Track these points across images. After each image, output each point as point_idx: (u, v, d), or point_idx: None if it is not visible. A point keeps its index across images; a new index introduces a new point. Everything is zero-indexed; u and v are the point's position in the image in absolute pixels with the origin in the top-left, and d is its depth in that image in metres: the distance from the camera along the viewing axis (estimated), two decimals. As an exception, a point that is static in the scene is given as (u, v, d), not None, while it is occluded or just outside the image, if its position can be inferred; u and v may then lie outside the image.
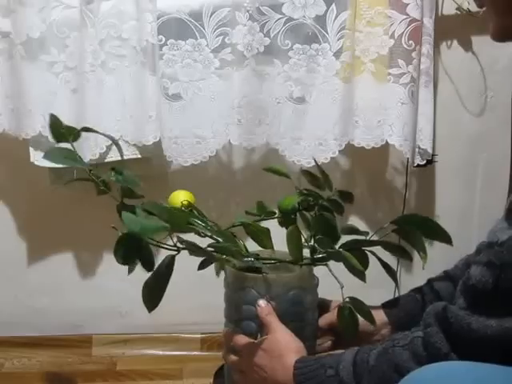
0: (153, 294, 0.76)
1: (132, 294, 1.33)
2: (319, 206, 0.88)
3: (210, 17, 1.10)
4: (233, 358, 0.82)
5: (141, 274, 1.36)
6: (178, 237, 0.75)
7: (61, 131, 0.79)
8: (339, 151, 1.17)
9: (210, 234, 0.78)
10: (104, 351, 1.33)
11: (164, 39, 1.11)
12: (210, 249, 0.76)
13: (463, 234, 1.36)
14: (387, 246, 0.85)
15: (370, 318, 0.79)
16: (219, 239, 0.80)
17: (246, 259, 0.82)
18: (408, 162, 1.24)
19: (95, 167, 0.81)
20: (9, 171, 1.26)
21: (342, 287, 0.79)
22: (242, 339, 0.80)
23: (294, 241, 0.79)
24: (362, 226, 1.02)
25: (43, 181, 1.19)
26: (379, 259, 0.82)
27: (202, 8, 1.09)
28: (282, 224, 0.91)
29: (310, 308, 0.85)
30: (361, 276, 0.76)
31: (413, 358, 0.61)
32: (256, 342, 0.77)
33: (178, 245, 0.76)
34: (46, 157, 0.79)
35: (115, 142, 0.85)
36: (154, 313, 1.37)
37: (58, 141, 0.79)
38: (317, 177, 0.93)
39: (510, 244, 0.58)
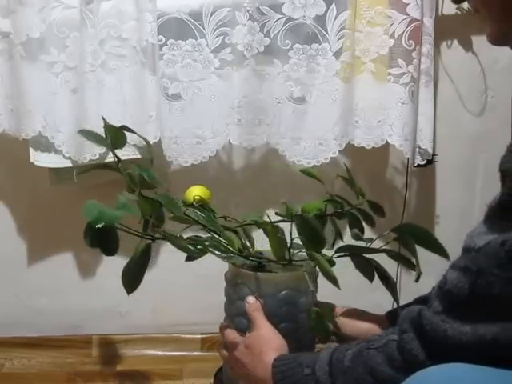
0: (131, 279, 0.81)
1: (132, 294, 1.33)
2: (349, 214, 0.90)
3: (210, 17, 1.10)
4: (224, 352, 0.83)
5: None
6: (155, 226, 0.82)
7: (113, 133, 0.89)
8: (339, 151, 1.17)
9: (207, 228, 0.85)
10: (104, 351, 1.33)
11: (164, 39, 1.11)
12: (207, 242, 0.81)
13: (463, 234, 1.35)
14: (388, 253, 0.86)
15: (335, 325, 0.81)
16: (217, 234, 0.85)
17: (226, 255, 0.84)
18: (408, 161, 1.24)
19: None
20: (9, 171, 1.26)
21: (313, 291, 0.84)
22: (230, 334, 0.82)
23: (274, 240, 0.82)
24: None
25: (43, 181, 1.18)
26: (378, 271, 0.83)
27: (202, 8, 1.09)
28: None
29: (305, 310, 0.85)
30: (333, 281, 0.76)
31: (387, 362, 0.61)
32: (241, 338, 0.79)
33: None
34: (81, 132, 0.93)
35: (148, 143, 0.96)
36: (154, 313, 1.39)
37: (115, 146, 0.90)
38: (353, 182, 0.96)
39: (486, 250, 0.57)
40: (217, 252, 0.82)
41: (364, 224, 0.94)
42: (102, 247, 0.77)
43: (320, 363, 0.66)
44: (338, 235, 0.93)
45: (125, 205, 0.77)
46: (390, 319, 0.85)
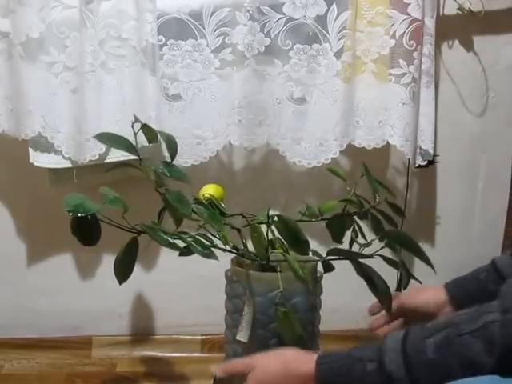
0: (121, 269, 0.88)
1: (132, 295, 1.33)
2: (370, 214, 0.93)
3: (211, 17, 1.09)
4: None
5: (141, 276, 1.36)
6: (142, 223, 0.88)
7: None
8: (340, 152, 1.17)
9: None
10: (104, 353, 1.32)
11: (164, 39, 1.11)
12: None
13: (464, 235, 1.36)
14: (383, 258, 0.89)
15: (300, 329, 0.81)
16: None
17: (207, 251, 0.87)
18: (409, 162, 1.24)
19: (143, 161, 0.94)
20: (8, 172, 1.26)
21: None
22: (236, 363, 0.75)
23: (256, 239, 0.85)
24: (364, 227, 1.02)
25: (43, 182, 1.18)
26: (369, 283, 0.84)
27: (202, 8, 1.09)
28: (327, 226, 0.98)
29: (299, 310, 0.86)
30: (303, 281, 0.78)
31: (487, 350, 0.49)
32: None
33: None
34: (96, 137, 0.97)
35: (170, 139, 1.00)
36: (154, 314, 1.38)
37: (150, 142, 0.97)
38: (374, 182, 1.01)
39: None
40: (198, 248, 0.83)
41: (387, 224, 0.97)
42: (79, 236, 0.83)
43: (390, 356, 0.54)
44: (357, 235, 0.95)
45: (111, 199, 0.82)
46: (449, 289, 0.82)
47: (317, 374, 0.58)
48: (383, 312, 0.92)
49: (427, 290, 0.87)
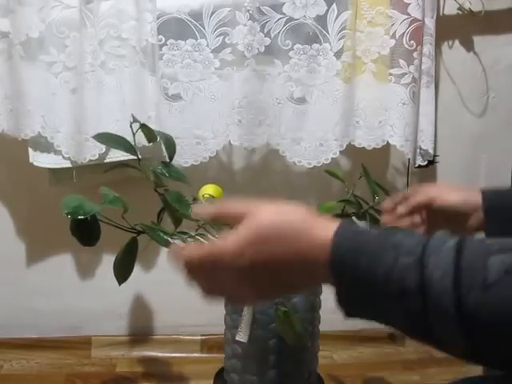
0: (121, 270, 0.87)
1: (131, 295, 1.33)
2: (369, 214, 0.93)
3: (210, 17, 1.09)
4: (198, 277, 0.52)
5: (140, 276, 1.35)
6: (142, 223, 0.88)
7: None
8: (340, 152, 1.17)
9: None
10: (103, 353, 1.32)
11: (164, 39, 1.11)
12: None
13: (465, 236, 1.36)
14: None
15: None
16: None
17: None
18: (409, 162, 1.24)
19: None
20: (8, 172, 1.26)
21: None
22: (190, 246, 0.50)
23: None
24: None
25: (42, 181, 1.18)
26: None
27: (202, 8, 1.09)
28: None
29: (299, 310, 0.86)
30: None
31: None
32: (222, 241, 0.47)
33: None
34: (95, 137, 0.97)
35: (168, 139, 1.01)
36: (153, 314, 1.38)
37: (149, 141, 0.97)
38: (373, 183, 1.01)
39: None
40: None
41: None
42: (79, 236, 0.83)
43: (436, 259, 0.40)
44: None
45: (111, 199, 0.81)
46: (487, 197, 0.71)
47: (332, 250, 0.42)
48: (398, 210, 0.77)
49: (459, 189, 0.74)
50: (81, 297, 1.32)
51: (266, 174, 1.28)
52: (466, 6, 1.16)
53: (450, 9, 1.19)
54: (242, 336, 0.93)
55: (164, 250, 1.26)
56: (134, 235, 0.89)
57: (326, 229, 0.44)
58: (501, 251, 0.39)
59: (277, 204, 0.47)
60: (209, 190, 1.00)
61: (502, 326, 0.37)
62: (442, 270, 0.39)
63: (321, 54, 1.12)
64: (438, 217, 0.74)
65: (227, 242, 0.46)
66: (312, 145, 1.17)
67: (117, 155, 1.11)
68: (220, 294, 0.51)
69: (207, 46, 1.11)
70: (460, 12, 1.18)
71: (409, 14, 1.11)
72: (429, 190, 0.75)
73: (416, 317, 0.40)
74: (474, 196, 0.72)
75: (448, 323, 0.39)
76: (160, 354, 1.33)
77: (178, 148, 1.15)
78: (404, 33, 1.12)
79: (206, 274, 0.49)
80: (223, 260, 0.46)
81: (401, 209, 0.76)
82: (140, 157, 1.14)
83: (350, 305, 0.44)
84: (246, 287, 0.47)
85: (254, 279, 0.46)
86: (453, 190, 0.74)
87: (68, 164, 1.13)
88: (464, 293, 0.38)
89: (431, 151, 1.18)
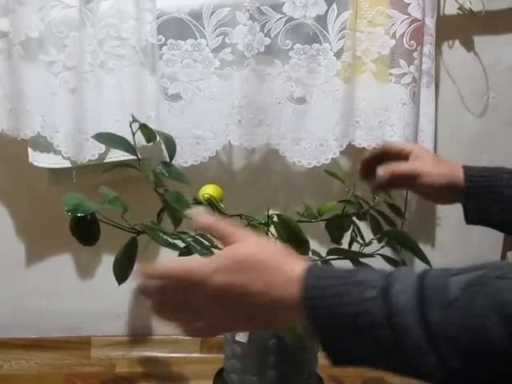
0: (121, 270, 0.87)
1: (131, 295, 1.33)
2: (369, 215, 0.93)
3: (210, 16, 1.09)
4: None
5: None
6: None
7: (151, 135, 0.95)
8: (340, 152, 1.17)
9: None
10: (103, 353, 1.32)
11: (164, 39, 1.11)
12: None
13: (464, 236, 1.35)
14: (384, 257, 0.89)
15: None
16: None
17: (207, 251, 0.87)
18: (409, 162, 1.23)
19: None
20: (7, 172, 1.26)
21: None
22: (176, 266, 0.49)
23: None
24: (363, 227, 1.02)
25: (42, 181, 1.18)
26: None
27: (202, 8, 1.09)
28: (326, 227, 0.97)
29: None
30: None
31: None
32: (195, 261, 0.49)
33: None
34: (95, 137, 0.96)
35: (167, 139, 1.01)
36: (153, 314, 1.36)
37: (149, 142, 0.97)
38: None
39: None
40: (198, 248, 0.83)
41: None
42: (79, 236, 0.82)
43: (399, 286, 0.42)
44: (357, 236, 0.95)
45: (111, 199, 0.81)
46: (468, 178, 0.74)
47: (301, 292, 0.44)
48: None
49: (443, 163, 0.76)
50: (80, 297, 1.31)
51: (266, 174, 1.28)
52: (467, 5, 1.16)
53: (451, 9, 1.19)
54: (241, 336, 0.93)
55: (164, 250, 1.26)
56: (134, 235, 0.89)
57: (294, 270, 0.45)
58: (460, 272, 0.41)
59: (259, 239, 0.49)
60: (209, 190, 1.00)
61: (468, 340, 0.38)
62: (406, 295, 0.41)
63: (321, 53, 1.12)
64: (420, 188, 0.76)
65: (203, 262, 0.47)
66: (312, 145, 1.17)
67: (117, 155, 1.11)
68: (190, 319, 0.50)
69: (207, 45, 1.11)
70: (460, 12, 1.18)
71: (409, 14, 1.11)
72: (415, 164, 0.76)
73: (388, 347, 0.41)
74: (457, 171, 0.75)
75: (419, 346, 0.40)
76: (160, 354, 1.33)
77: (177, 148, 1.14)
78: (404, 33, 1.11)
79: (177, 297, 0.49)
80: (196, 278, 0.47)
81: (381, 171, 0.76)
82: (140, 157, 1.14)
83: (326, 344, 0.45)
84: (216, 310, 0.48)
85: (222, 303, 0.47)
86: (437, 165, 0.76)
87: (68, 164, 1.13)
88: (428, 313, 0.39)
89: (431, 151, 1.18)
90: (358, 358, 0.44)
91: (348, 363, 0.45)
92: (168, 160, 1.15)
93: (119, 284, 0.90)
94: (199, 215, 0.52)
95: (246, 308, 0.46)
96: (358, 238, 0.98)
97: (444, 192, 0.75)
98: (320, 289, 0.44)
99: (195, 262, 0.48)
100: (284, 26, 1.11)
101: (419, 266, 0.94)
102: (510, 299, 0.38)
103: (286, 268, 0.46)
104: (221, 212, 0.95)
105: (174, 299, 0.49)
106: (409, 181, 0.76)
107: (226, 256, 0.47)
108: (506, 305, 0.38)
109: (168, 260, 0.49)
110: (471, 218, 0.76)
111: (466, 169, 0.75)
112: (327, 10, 1.10)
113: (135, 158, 1.14)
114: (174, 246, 0.85)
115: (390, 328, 0.41)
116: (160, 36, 1.10)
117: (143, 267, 0.50)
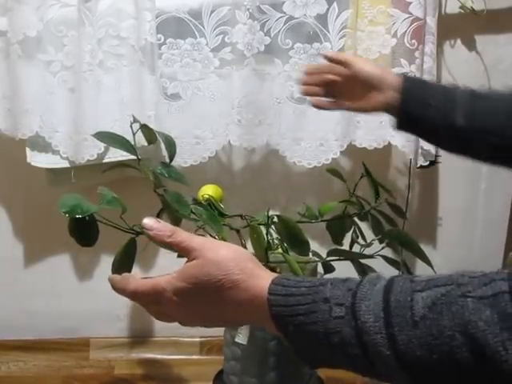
0: (120, 271, 0.82)
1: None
2: (371, 215, 0.92)
3: (210, 15, 1.09)
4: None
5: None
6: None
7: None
8: (341, 152, 1.16)
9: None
10: (102, 355, 1.31)
11: (163, 38, 1.10)
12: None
13: (466, 236, 1.34)
14: (385, 258, 0.88)
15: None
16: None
17: None
18: (411, 163, 1.23)
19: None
20: (5, 172, 1.25)
21: None
22: (135, 282, 0.52)
23: (255, 240, 0.84)
24: (363, 227, 1.01)
25: (40, 182, 1.17)
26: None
27: (202, 7, 1.08)
28: (327, 228, 0.96)
29: None
30: None
31: (499, 322, 0.38)
32: (164, 278, 0.50)
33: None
34: (95, 135, 0.94)
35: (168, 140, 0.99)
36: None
37: (149, 143, 0.96)
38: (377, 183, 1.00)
39: None
40: None
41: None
42: (77, 237, 0.80)
43: (367, 304, 0.42)
44: (358, 237, 0.94)
45: (109, 200, 0.81)
46: (405, 79, 0.76)
47: (269, 309, 0.45)
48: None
49: (382, 69, 0.81)
50: (79, 298, 1.31)
51: (266, 175, 1.27)
52: (468, 4, 1.15)
53: (452, 7, 1.18)
54: (241, 338, 0.92)
55: (163, 251, 1.25)
56: (133, 236, 0.88)
57: (260, 286, 0.47)
58: (424, 288, 0.42)
59: (224, 249, 0.49)
60: (208, 190, 1.00)
61: (435, 359, 0.40)
62: (373, 314, 0.42)
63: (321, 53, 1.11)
64: (354, 87, 0.80)
65: (169, 278, 0.49)
66: (312, 145, 1.16)
67: (115, 155, 1.11)
68: (169, 320, 0.53)
69: (207, 45, 1.10)
70: (462, 11, 1.17)
71: (410, 13, 1.10)
72: (348, 56, 0.84)
73: (361, 363, 0.43)
74: (391, 74, 0.78)
75: (389, 365, 0.41)
76: (159, 356, 1.32)
77: (177, 148, 1.14)
78: (405, 32, 1.11)
79: (150, 306, 0.52)
80: (163, 295, 0.49)
81: (320, 66, 0.85)
82: (139, 157, 1.13)
83: (300, 354, 0.46)
84: (190, 318, 0.51)
85: (190, 316, 0.51)
86: (370, 63, 0.83)
87: (66, 164, 1.13)
88: (396, 333, 0.41)
89: (433, 151, 1.17)
90: (334, 366, 0.46)
91: (324, 367, 0.47)
92: (168, 161, 1.15)
93: None
94: (152, 226, 0.51)
95: (215, 319, 0.50)
96: (359, 239, 0.97)
97: (375, 85, 0.77)
98: (288, 307, 0.44)
99: (158, 279, 0.50)
100: (284, 25, 1.10)
101: (421, 266, 0.93)
102: (473, 319, 0.39)
103: (252, 284, 0.47)
104: (221, 212, 0.94)
105: (148, 309, 0.52)
106: (343, 75, 0.81)
107: (186, 279, 0.48)
108: (469, 324, 0.39)
109: (132, 280, 0.52)
110: (401, 121, 0.77)
111: (404, 74, 0.81)
112: (328, 9, 1.09)
113: (134, 158, 1.14)
114: (172, 247, 0.84)
115: (360, 347, 0.42)
116: (159, 35, 1.09)
117: (113, 282, 0.54)
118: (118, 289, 0.53)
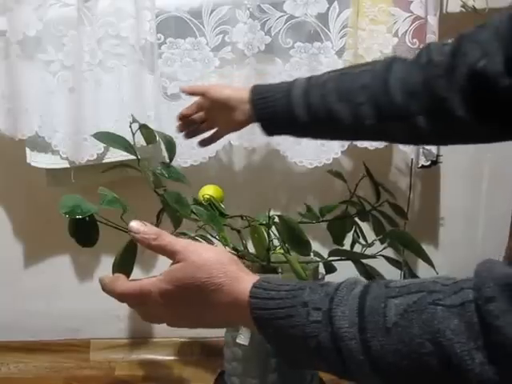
0: (120, 271, 0.85)
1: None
2: (372, 215, 0.92)
3: (210, 15, 1.08)
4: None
5: (140, 278, 1.33)
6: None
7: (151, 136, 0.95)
8: (342, 152, 1.15)
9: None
10: (102, 356, 1.31)
11: (163, 38, 1.10)
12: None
13: (468, 236, 1.34)
14: (386, 258, 0.88)
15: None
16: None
17: None
18: (412, 162, 1.22)
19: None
20: (5, 172, 1.25)
21: None
22: (123, 284, 0.55)
23: (256, 240, 0.84)
24: (365, 227, 1.00)
25: (40, 182, 1.17)
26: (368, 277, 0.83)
27: (202, 6, 1.08)
28: (328, 228, 0.96)
29: None
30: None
31: (466, 331, 0.39)
32: (151, 280, 0.52)
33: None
34: (95, 136, 0.95)
35: (169, 140, 1.01)
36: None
37: (148, 143, 0.97)
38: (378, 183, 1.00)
39: None
40: None
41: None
42: (77, 237, 0.80)
43: (343, 309, 0.43)
44: (359, 237, 0.94)
45: (110, 200, 0.80)
46: (253, 90, 0.80)
47: (251, 313, 0.47)
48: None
49: (234, 88, 0.88)
50: (79, 299, 1.30)
51: (267, 175, 1.27)
52: (470, 3, 1.15)
53: (454, 6, 1.18)
54: (242, 338, 0.91)
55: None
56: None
57: (241, 290, 0.48)
58: (398, 294, 0.43)
59: (207, 252, 0.50)
60: (209, 190, 0.99)
61: (407, 365, 0.41)
62: (348, 320, 0.43)
63: (322, 52, 1.11)
64: (214, 112, 0.86)
65: (155, 280, 0.51)
66: (313, 145, 1.15)
67: (115, 155, 1.10)
68: (157, 321, 0.56)
69: (207, 44, 1.10)
70: (463, 9, 1.16)
71: (411, 12, 1.09)
72: (202, 87, 0.90)
73: (338, 367, 0.44)
74: (243, 90, 0.81)
75: (364, 370, 0.42)
76: (160, 357, 1.31)
77: (177, 148, 1.13)
78: (407, 31, 1.10)
79: (137, 307, 0.54)
80: (149, 297, 0.51)
81: (187, 109, 0.90)
82: (139, 157, 1.13)
83: (280, 355, 0.48)
84: (175, 319, 0.53)
85: (176, 318, 0.53)
86: (226, 86, 0.88)
87: (66, 164, 1.12)
88: (369, 339, 0.42)
89: (434, 151, 1.16)
90: (313, 368, 0.50)
91: (304, 369, 0.51)
92: (168, 161, 1.15)
93: None
94: (139, 229, 0.52)
95: (199, 320, 0.52)
96: (360, 239, 0.97)
97: (234, 106, 0.82)
98: (268, 310, 0.46)
99: (145, 281, 0.52)
100: (285, 24, 1.09)
101: (422, 266, 0.93)
102: (441, 327, 0.39)
103: (234, 287, 0.48)
104: (221, 213, 0.94)
105: (137, 310, 0.55)
106: (204, 107, 0.87)
107: (171, 281, 0.50)
108: (438, 333, 0.39)
109: (120, 282, 0.54)
110: (263, 127, 0.81)
111: (253, 85, 0.82)
112: (328, 8, 1.09)
113: (134, 158, 1.14)
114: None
115: (335, 351, 0.43)
116: (159, 35, 1.09)
117: (102, 284, 0.56)
118: (107, 290, 0.55)
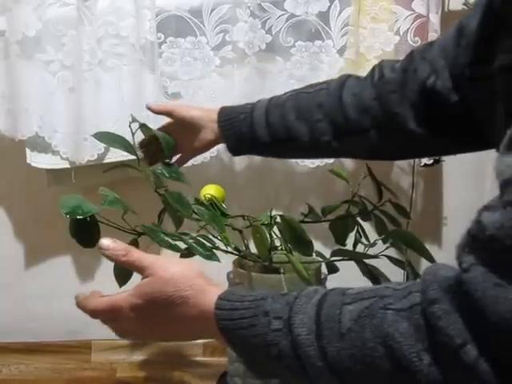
0: (121, 272, 0.85)
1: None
2: (374, 215, 0.91)
3: (210, 14, 1.08)
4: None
5: (141, 278, 1.33)
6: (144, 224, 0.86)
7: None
8: (343, 151, 1.15)
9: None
10: (104, 357, 1.30)
11: (163, 37, 1.10)
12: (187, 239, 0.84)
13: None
14: (389, 258, 0.87)
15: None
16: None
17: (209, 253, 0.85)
18: (415, 161, 1.22)
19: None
20: (5, 173, 1.24)
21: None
22: (94, 301, 0.58)
23: (258, 240, 0.84)
24: (367, 227, 1.00)
25: (40, 182, 1.16)
26: (375, 284, 0.83)
27: (202, 5, 1.08)
28: (330, 228, 0.95)
29: None
30: (308, 283, 0.77)
31: (414, 333, 0.40)
32: (120, 296, 0.55)
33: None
34: (95, 136, 0.94)
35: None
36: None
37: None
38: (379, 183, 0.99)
39: None
40: (199, 249, 0.81)
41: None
42: (78, 238, 0.80)
43: (301, 317, 0.45)
44: (361, 237, 0.93)
45: (111, 200, 0.80)
46: (220, 111, 0.82)
47: (216, 324, 0.49)
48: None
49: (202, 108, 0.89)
50: (80, 300, 1.30)
51: (269, 174, 1.26)
52: (472, 0, 1.14)
53: (455, 4, 1.17)
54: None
55: (165, 252, 1.24)
56: (135, 237, 0.87)
57: (206, 302, 0.50)
58: (352, 300, 0.45)
59: (174, 267, 0.52)
60: (210, 190, 0.99)
61: (361, 369, 0.42)
62: (306, 327, 0.45)
63: (323, 51, 1.11)
64: (180, 132, 0.87)
65: (126, 295, 0.53)
66: (315, 144, 1.15)
67: (116, 155, 1.10)
68: (130, 336, 0.59)
69: (207, 43, 1.10)
70: (465, 7, 1.15)
71: (413, 10, 1.09)
72: (170, 106, 0.90)
73: (299, 373, 0.45)
74: (213, 111, 0.83)
75: (323, 375, 0.44)
76: (161, 359, 1.31)
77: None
78: (408, 29, 1.10)
79: (110, 323, 0.56)
80: (121, 312, 0.53)
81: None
82: (140, 157, 1.12)
83: (246, 363, 0.50)
84: (147, 332, 0.56)
85: (148, 333, 0.55)
86: (194, 107, 0.89)
87: (66, 164, 1.12)
88: (325, 345, 0.43)
89: (436, 150, 1.16)
90: (280, 377, 0.50)
91: (273, 378, 0.53)
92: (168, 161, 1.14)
93: (120, 287, 0.88)
94: (109, 246, 0.54)
95: (170, 334, 0.54)
96: (363, 239, 0.96)
97: (203, 126, 0.84)
98: (233, 320, 0.48)
99: (116, 297, 0.54)
100: (285, 22, 1.09)
101: (426, 266, 0.92)
102: (391, 331, 0.41)
103: (200, 299, 0.50)
104: (223, 213, 0.93)
105: (110, 326, 0.57)
106: (171, 127, 0.89)
107: (140, 296, 0.52)
108: (387, 336, 0.41)
109: (91, 300, 0.57)
110: (229, 147, 0.83)
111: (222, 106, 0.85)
112: (329, 7, 1.08)
113: (135, 158, 1.13)
114: (175, 248, 0.83)
115: (296, 358, 0.45)
116: (159, 34, 1.09)
117: (77, 302, 0.59)
118: (80, 308, 0.58)
